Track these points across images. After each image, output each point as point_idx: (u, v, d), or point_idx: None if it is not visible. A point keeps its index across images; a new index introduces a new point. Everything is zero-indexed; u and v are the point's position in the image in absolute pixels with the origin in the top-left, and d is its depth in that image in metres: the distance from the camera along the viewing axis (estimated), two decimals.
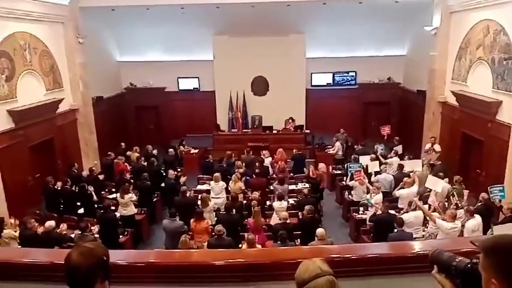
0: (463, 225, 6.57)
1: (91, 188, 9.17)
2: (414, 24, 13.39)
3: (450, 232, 6.28)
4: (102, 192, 9.93)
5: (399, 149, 11.03)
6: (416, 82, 14.08)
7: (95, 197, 9.16)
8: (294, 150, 11.97)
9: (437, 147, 10.60)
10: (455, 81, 10.98)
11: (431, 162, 10.00)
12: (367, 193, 8.87)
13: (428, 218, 6.78)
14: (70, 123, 11.62)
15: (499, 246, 1.29)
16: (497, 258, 1.26)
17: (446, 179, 8.42)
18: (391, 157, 10.66)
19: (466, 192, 7.64)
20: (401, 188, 8.66)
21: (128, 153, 11.92)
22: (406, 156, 10.53)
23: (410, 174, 9.46)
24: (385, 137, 12.46)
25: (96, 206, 8.99)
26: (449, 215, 6.46)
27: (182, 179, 9.95)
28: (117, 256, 2.39)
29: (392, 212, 7.85)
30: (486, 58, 9.41)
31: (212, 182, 9.30)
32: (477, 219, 6.49)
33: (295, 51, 14.96)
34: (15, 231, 6.95)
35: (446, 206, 7.54)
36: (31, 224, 6.88)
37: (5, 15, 8.79)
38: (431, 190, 8.21)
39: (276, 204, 8.25)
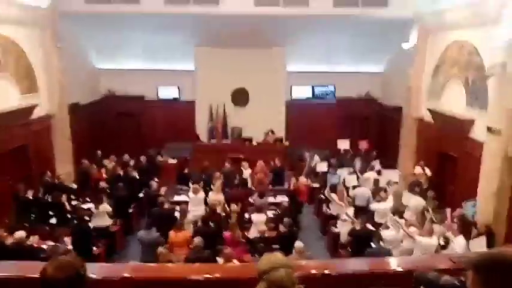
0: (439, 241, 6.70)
1: (64, 197, 8.92)
2: (392, 41, 13.75)
3: (428, 248, 6.37)
4: (76, 202, 9.67)
5: (376, 164, 11.21)
6: (393, 98, 14.40)
7: (67, 206, 8.89)
8: (272, 163, 12.01)
9: (428, 172, 10.38)
10: (430, 99, 11.28)
11: (423, 187, 9.67)
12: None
13: (407, 234, 6.84)
14: (45, 129, 11.29)
15: (489, 263, 1.31)
16: (488, 275, 1.28)
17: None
18: (368, 172, 10.81)
19: (448, 210, 7.75)
20: (377, 202, 8.80)
21: (105, 161, 11.68)
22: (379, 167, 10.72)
23: (387, 188, 9.65)
24: (363, 152, 12.66)
25: (69, 216, 8.73)
26: (427, 230, 6.56)
27: (162, 190, 9.82)
28: (91, 270, 2.31)
29: (369, 226, 7.93)
30: (460, 77, 9.72)
31: (190, 193, 9.19)
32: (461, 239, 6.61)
33: (275, 64, 15.08)
34: None
35: (418, 221, 7.70)
36: None
37: None
38: (406, 206, 8.36)
39: (255, 216, 8.20)
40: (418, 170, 10.43)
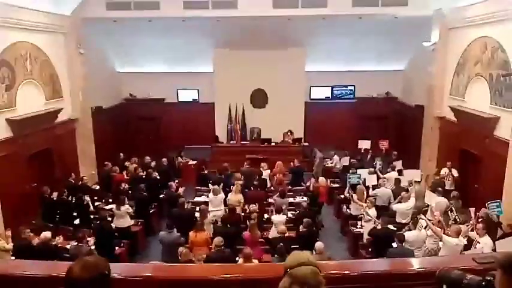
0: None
1: (87, 198, 9.12)
2: (413, 39, 13.53)
3: (456, 248, 6.24)
4: (99, 203, 9.88)
5: (398, 164, 11.03)
6: (414, 97, 14.16)
7: (91, 207, 9.09)
8: (291, 163, 11.98)
9: (455, 172, 10.11)
10: (453, 97, 11.05)
11: (449, 188, 9.55)
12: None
13: (435, 234, 6.70)
14: (69, 132, 11.60)
15: None
16: None
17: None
18: (389, 172, 10.67)
19: (472, 210, 7.57)
20: (398, 202, 8.66)
21: (126, 163, 11.89)
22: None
23: (408, 188, 9.49)
24: (383, 151, 12.49)
25: (92, 216, 8.92)
26: (454, 230, 6.42)
27: (180, 190, 9.92)
28: (113, 269, 2.36)
29: (390, 226, 7.82)
30: (484, 74, 9.48)
31: (210, 194, 9.25)
32: (487, 239, 6.45)
33: (294, 65, 15.05)
34: (8, 244, 6.82)
35: (443, 221, 7.55)
36: (26, 235, 6.81)
37: (7, 24, 8.84)
38: (429, 205, 8.20)
39: (275, 217, 8.20)
40: (444, 171, 10.16)
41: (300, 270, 1.55)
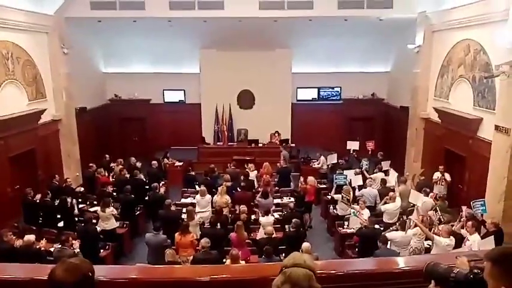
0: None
1: (73, 201, 8.98)
2: (398, 41, 13.72)
3: (446, 248, 6.33)
4: (83, 205, 9.73)
5: (385, 164, 11.14)
6: (399, 98, 14.34)
7: (76, 210, 8.95)
8: (278, 164, 11.99)
9: (447, 177, 9.82)
10: (437, 98, 11.22)
11: (441, 194, 9.22)
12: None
13: (426, 235, 6.78)
14: (52, 134, 11.41)
15: (508, 255, 1.40)
16: (506, 266, 1.35)
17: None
18: (375, 172, 10.76)
19: (464, 208, 7.67)
20: (385, 202, 8.74)
21: (112, 165, 11.74)
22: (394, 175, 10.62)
23: (394, 188, 9.60)
24: (370, 152, 12.61)
25: (76, 219, 8.78)
26: (445, 230, 6.52)
27: (161, 190, 9.86)
28: (99, 272, 2.32)
29: (377, 226, 7.89)
30: (467, 76, 9.65)
31: (197, 196, 9.20)
32: (477, 237, 6.55)
33: (281, 66, 15.11)
34: None
35: (428, 220, 7.64)
36: (8, 237, 6.66)
37: None
38: (414, 205, 8.30)
39: (263, 219, 8.19)
40: (437, 175, 9.90)
41: (294, 271, 1.59)
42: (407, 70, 12.77)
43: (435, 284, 1.62)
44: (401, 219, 7.91)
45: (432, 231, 6.94)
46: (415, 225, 6.99)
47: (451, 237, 6.48)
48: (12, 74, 9.60)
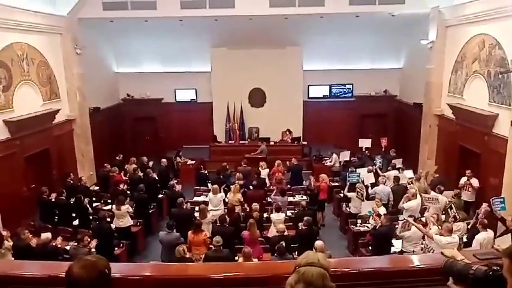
0: (461, 238, 6.55)
1: (86, 200, 9.10)
2: (410, 37, 13.54)
3: (448, 246, 6.21)
4: (97, 204, 9.85)
5: (398, 162, 11.01)
6: (412, 95, 14.17)
7: (89, 209, 9.07)
8: (288, 162, 11.94)
9: (475, 182, 8.99)
10: (451, 94, 11.05)
11: (469, 200, 8.89)
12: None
13: (425, 235, 6.71)
14: (66, 133, 11.57)
15: None
16: None
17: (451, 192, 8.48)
18: (389, 170, 10.65)
19: (485, 204, 7.54)
20: (408, 199, 8.55)
21: (126, 166, 11.86)
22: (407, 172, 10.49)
23: (408, 186, 9.46)
24: (383, 149, 12.50)
25: (91, 217, 8.90)
26: (445, 229, 6.40)
27: (178, 187, 9.94)
28: (113, 269, 2.35)
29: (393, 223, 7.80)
30: (482, 72, 9.49)
31: (210, 194, 9.24)
32: (489, 234, 6.42)
33: (292, 64, 15.06)
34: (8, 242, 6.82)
35: (444, 219, 7.53)
36: (25, 236, 6.78)
37: (3, 25, 8.82)
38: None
39: (274, 216, 8.19)
40: (463, 180, 9.20)
41: (308, 270, 1.58)
42: (420, 66, 12.61)
43: (454, 281, 1.59)
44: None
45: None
46: (409, 225, 6.92)
47: (453, 235, 6.38)
48: (28, 75, 9.77)
